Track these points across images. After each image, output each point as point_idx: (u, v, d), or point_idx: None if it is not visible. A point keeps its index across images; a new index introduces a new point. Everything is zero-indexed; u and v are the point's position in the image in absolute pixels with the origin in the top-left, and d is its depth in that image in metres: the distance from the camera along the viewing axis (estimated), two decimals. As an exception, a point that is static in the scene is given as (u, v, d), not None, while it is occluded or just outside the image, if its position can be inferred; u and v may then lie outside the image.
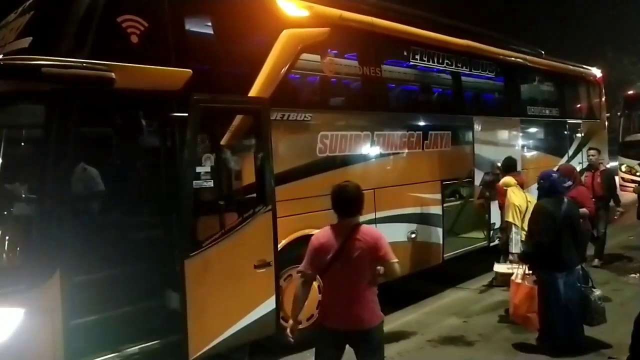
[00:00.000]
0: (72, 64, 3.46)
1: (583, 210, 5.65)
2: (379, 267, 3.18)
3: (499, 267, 5.81)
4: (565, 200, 4.77)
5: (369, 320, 3.13)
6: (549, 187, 4.79)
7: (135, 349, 3.79)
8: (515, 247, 5.70)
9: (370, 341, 3.17)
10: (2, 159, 3.78)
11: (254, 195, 4.51)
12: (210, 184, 4.13)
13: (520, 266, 5.01)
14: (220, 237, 4.14)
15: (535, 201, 5.26)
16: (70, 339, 3.40)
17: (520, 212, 5.77)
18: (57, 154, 3.49)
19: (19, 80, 3.40)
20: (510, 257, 5.75)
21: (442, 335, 5.28)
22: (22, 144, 3.82)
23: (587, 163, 8.33)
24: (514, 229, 5.80)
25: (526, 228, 5.21)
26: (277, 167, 4.73)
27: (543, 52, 9.85)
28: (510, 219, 5.82)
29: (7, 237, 3.47)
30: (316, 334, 3.30)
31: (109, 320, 3.71)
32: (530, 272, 4.85)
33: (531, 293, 4.77)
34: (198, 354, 3.97)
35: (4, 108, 3.54)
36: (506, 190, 5.99)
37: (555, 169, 6.68)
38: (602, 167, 7.75)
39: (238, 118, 4.53)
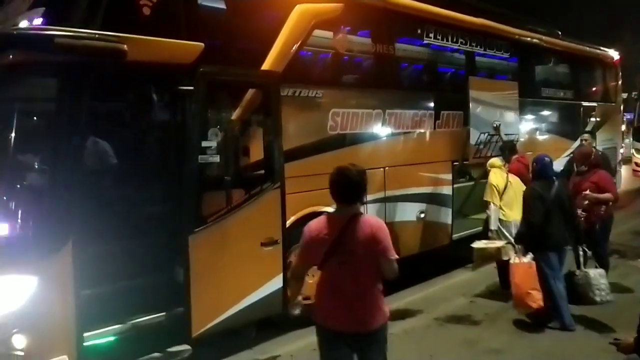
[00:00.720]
0: (85, 35, 3.44)
1: (606, 195, 5.54)
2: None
3: (477, 243, 5.78)
4: (556, 183, 4.98)
5: (376, 320, 2.80)
6: (539, 171, 5.05)
7: (141, 320, 3.83)
8: (493, 224, 5.78)
9: (376, 342, 2.86)
10: (15, 130, 3.81)
11: (262, 171, 4.51)
12: (217, 159, 4.11)
13: (501, 242, 5.46)
14: (225, 214, 4.13)
15: (515, 182, 5.79)
16: (81, 308, 3.46)
17: (498, 191, 5.82)
18: (68, 125, 3.50)
19: (32, 51, 3.38)
20: (489, 233, 5.82)
21: (449, 314, 5.31)
22: (35, 115, 3.82)
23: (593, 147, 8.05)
24: (492, 207, 5.80)
25: (504, 207, 5.71)
26: (288, 144, 4.74)
27: (560, 33, 9.66)
28: (487, 198, 5.83)
29: (21, 207, 3.50)
30: (318, 336, 2.94)
31: (118, 292, 3.75)
32: (524, 254, 4.96)
33: (530, 270, 4.86)
34: (203, 329, 4.02)
35: (17, 79, 3.53)
36: (490, 170, 6.04)
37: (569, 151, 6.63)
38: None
39: (247, 92, 4.51)
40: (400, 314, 5.33)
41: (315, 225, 2.85)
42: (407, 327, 5.02)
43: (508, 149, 6.47)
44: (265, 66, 4.61)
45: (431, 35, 6.47)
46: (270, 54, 4.66)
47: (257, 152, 4.54)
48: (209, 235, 4.03)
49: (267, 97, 4.54)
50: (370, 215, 2.88)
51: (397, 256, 2.80)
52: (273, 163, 4.52)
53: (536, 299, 4.82)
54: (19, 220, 3.44)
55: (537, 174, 5.08)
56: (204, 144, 4.06)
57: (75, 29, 3.48)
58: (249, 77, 4.54)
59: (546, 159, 5.13)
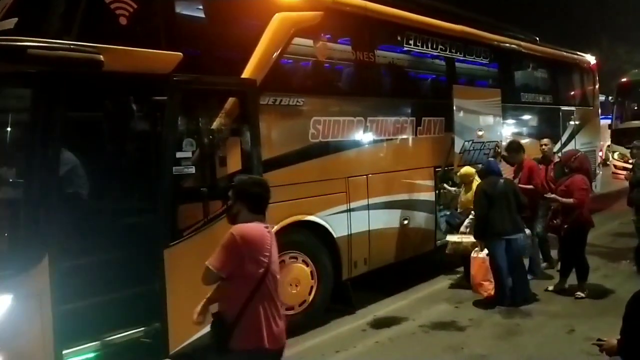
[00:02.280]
0: (59, 45, 3.38)
1: (567, 200, 5.66)
2: None
3: (451, 237, 6.27)
4: (502, 180, 5.77)
5: (285, 335, 2.83)
6: (485, 170, 5.94)
7: (119, 336, 3.75)
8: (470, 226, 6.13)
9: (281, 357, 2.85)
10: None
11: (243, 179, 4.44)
12: (192, 170, 4.03)
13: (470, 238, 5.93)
14: (202, 226, 4.04)
15: None
16: (59, 324, 3.37)
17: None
18: (43, 136, 3.42)
19: (5, 62, 3.31)
20: (462, 228, 6.22)
21: (433, 320, 5.30)
22: (9, 126, 3.74)
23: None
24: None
25: None
26: (269, 153, 4.70)
27: (537, 39, 9.81)
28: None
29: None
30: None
31: (95, 307, 3.66)
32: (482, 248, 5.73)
33: (483, 264, 5.73)
34: (182, 344, 3.93)
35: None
36: (472, 180, 6.28)
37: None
38: (556, 159, 7.01)
39: (224, 101, 4.45)
40: (386, 322, 5.32)
41: (256, 233, 2.70)
42: (392, 335, 5.00)
43: (514, 150, 6.66)
44: (245, 74, 4.58)
45: (411, 42, 6.50)
46: (250, 62, 4.63)
47: (234, 162, 4.46)
48: (186, 249, 3.93)
49: (245, 106, 4.49)
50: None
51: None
52: (252, 172, 4.45)
53: (487, 288, 5.75)
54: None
55: (484, 173, 5.92)
56: (179, 154, 3.98)
57: (50, 39, 3.42)
58: (226, 86, 4.49)
59: (491, 160, 6.25)
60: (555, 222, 5.91)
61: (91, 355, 3.60)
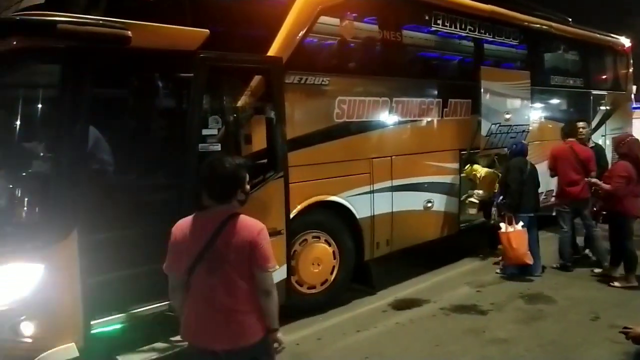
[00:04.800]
0: (88, 21, 3.40)
1: (606, 186, 5.66)
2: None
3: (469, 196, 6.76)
4: (529, 162, 6.25)
5: (251, 335, 2.42)
6: (520, 150, 6.30)
7: (145, 309, 3.82)
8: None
9: (258, 358, 2.49)
10: (20, 117, 3.79)
11: (265, 160, 4.45)
12: (217, 147, 4.03)
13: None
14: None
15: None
16: (88, 296, 3.46)
17: None
18: (71, 113, 3.47)
19: (35, 37, 3.35)
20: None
21: (455, 303, 5.29)
22: (38, 102, 3.79)
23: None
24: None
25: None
26: (293, 132, 4.69)
27: (570, 20, 9.50)
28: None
29: (26, 195, 3.50)
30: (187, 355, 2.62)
31: (122, 280, 3.73)
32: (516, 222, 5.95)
33: (524, 235, 5.93)
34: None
35: (20, 65, 3.52)
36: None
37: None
38: (591, 144, 6.89)
39: (249, 78, 4.44)
40: (407, 304, 5.33)
41: (181, 226, 2.47)
42: (413, 317, 5.00)
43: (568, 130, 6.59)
44: (271, 53, 4.56)
45: (439, 22, 6.36)
46: (276, 40, 4.60)
47: (259, 141, 4.47)
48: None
49: (271, 84, 4.47)
50: (248, 217, 2.48)
51: (275, 268, 2.46)
52: (276, 151, 4.46)
53: (530, 257, 5.97)
54: (25, 208, 3.44)
55: (517, 152, 6.24)
56: (205, 132, 4.00)
57: (79, 14, 3.44)
58: (252, 63, 4.47)
59: (523, 142, 6.58)
60: (594, 208, 5.98)
61: (118, 326, 3.68)
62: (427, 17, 6.24)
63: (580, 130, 6.66)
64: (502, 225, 6.01)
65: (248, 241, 2.37)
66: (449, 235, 6.63)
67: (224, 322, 2.38)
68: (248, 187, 2.59)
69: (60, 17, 3.34)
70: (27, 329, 3.26)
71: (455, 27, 6.60)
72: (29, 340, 3.26)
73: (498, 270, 6.24)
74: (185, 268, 2.41)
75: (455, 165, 6.61)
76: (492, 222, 6.50)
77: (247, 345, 2.40)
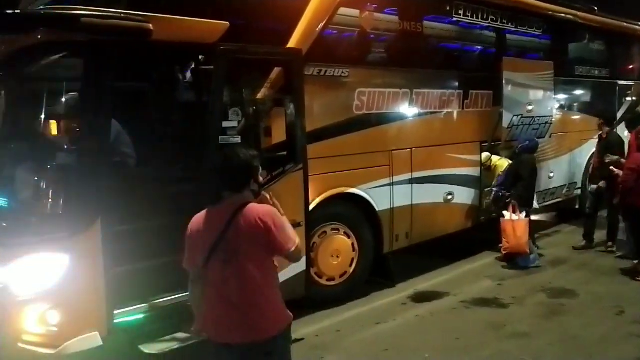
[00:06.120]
0: (110, 14, 3.43)
1: (618, 171, 5.94)
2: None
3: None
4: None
5: (269, 327, 2.39)
6: (534, 147, 6.47)
7: (166, 299, 3.86)
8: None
9: (272, 353, 2.42)
10: (44, 110, 3.86)
11: (285, 152, 4.45)
12: (238, 139, 4.04)
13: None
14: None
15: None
16: (111, 285, 3.52)
17: None
18: (94, 105, 3.52)
19: (59, 31, 3.40)
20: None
21: (475, 297, 5.24)
22: (62, 95, 3.85)
23: None
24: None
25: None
26: (313, 124, 4.68)
27: (595, 8, 9.26)
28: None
29: (51, 186, 3.56)
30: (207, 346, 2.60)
31: (144, 271, 3.78)
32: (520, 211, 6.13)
33: (527, 225, 6.12)
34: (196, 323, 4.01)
35: (44, 58, 3.57)
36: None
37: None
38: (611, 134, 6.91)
39: (269, 70, 4.44)
40: (427, 296, 5.31)
41: (196, 220, 2.48)
42: (433, 309, 4.98)
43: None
44: (290, 44, 4.55)
45: (460, 12, 6.27)
46: (296, 32, 4.58)
47: (279, 133, 4.48)
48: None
49: (291, 76, 4.47)
50: (260, 205, 2.46)
51: (295, 244, 2.41)
52: (296, 143, 4.46)
53: (528, 247, 6.14)
54: (50, 199, 3.51)
55: (531, 149, 6.40)
56: (225, 124, 4.02)
57: (101, 8, 3.47)
58: (272, 55, 4.47)
59: (536, 138, 6.70)
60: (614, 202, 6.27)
61: (140, 316, 3.74)
62: (448, 8, 6.15)
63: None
64: (506, 213, 6.14)
65: (260, 229, 2.34)
66: (470, 228, 6.58)
67: (237, 315, 2.36)
68: (261, 178, 2.60)
69: (83, 11, 3.38)
70: (53, 317, 3.33)
71: (477, 18, 6.50)
72: (55, 328, 3.33)
73: (504, 263, 6.26)
74: (201, 261, 2.40)
75: (476, 158, 6.54)
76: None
77: (261, 340, 2.36)
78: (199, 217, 2.50)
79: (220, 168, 2.53)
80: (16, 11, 3.59)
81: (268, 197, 2.58)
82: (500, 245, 6.29)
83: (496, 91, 6.51)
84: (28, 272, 3.32)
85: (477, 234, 6.73)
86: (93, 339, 3.38)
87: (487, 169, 6.67)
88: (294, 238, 2.44)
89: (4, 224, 3.52)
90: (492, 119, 6.59)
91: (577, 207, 8.20)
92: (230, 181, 2.46)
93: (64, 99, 3.85)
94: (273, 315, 2.42)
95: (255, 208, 2.40)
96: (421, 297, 5.29)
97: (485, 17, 6.59)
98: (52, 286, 3.33)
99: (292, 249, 2.42)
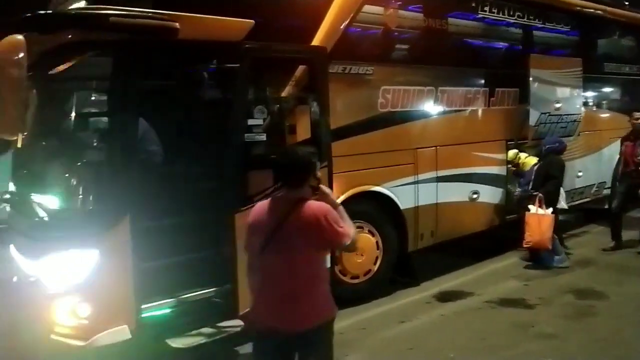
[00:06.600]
0: (138, 13, 3.48)
1: None
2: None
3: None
4: None
5: (317, 317, 2.49)
6: (562, 149, 6.37)
7: (192, 295, 3.91)
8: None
9: (314, 344, 2.50)
10: (74, 108, 3.94)
11: (309, 150, 4.45)
12: (263, 137, 4.07)
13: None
14: (272, 193, 4.10)
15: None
16: (138, 280, 3.58)
17: None
18: (123, 104, 3.57)
19: (88, 30, 3.46)
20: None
21: (501, 297, 5.17)
22: (91, 93, 3.93)
23: None
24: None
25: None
26: (337, 122, 4.67)
27: (627, 3, 9.02)
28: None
29: (82, 183, 3.63)
30: (253, 339, 2.72)
31: (171, 266, 3.83)
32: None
33: (553, 221, 5.96)
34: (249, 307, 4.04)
35: (74, 58, 3.63)
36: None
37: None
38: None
39: (293, 68, 4.44)
40: (451, 296, 5.26)
41: (257, 209, 2.63)
42: (457, 309, 4.93)
43: None
44: (315, 42, 4.55)
45: (486, 8, 6.19)
46: (320, 30, 4.58)
47: (304, 130, 4.48)
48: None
49: (315, 74, 4.47)
50: (316, 202, 2.54)
51: (350, 238, 2.50)
52: (320, 141, 4.45)
53: (551, 243, 6.00)
54: (80, 196, 3.58)
55: (560, 150, 6.31)
56: (250, 122, 4.05)
57: (129, 7, 3.52)
58: (297, 53, 4.48)
59: (563, 140, 6.48)
60: None
61: (167, 310, 3.80)
62: (474, 4, 6.07)
63: (635, 121, 6.66)
64: (532, 207, 5.98)
65: (315, 226, 2.43)
66: (495, 227, 6.49)
67: (286, 304, 2.46)
68: (319, 173, 2.69)
69: (112, 11, 3.43)
70: (83, 311, 3.40)
71: (503, 14, 6.41)
72: (85, 321, 3.40)
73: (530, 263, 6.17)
74: (257, 249, 2.52)
75: (502, 156, 6.45)
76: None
77: (305, 329, 2.46)
78: (260, 206, 2.63)
79: (281, 164, 2.67)
80: (48, 11, 3.67)
81: (328, 192, 2.67)
82: (524, 240, 6.13)
83: (523, 88, 6.41)
84: (59, 267, 3.40)
85: (502, 232, 6.63)
86: (122, 332, 3.44)
87: (514, 165, 6.57)
88: (349, 231, 2.52)
89: (36, 219, 3.60)
90: (519, 117, 6.49)
91: (606, 207, 8.01)
92: (290, 177, 2.57)
93: (93, 97, 3.92)
94: (319, 307, 2.52)
95: (311, 205, 2.50)
96: (446, 296, 5.24)
97: (511, 13, 6.49)
98: (83, 280, 3.40)
99: (348, 242, 2.51)
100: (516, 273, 5.89)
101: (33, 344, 3.53)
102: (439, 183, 5.66)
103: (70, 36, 3.50)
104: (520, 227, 6.12)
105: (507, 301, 5.07)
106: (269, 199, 2.64)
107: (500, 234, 6.64)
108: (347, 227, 2.54)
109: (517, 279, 5.69)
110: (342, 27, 4.73)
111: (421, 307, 5.02)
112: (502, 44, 6.80)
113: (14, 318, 3.67)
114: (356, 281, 5.06)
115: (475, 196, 6.10)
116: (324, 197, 2.61)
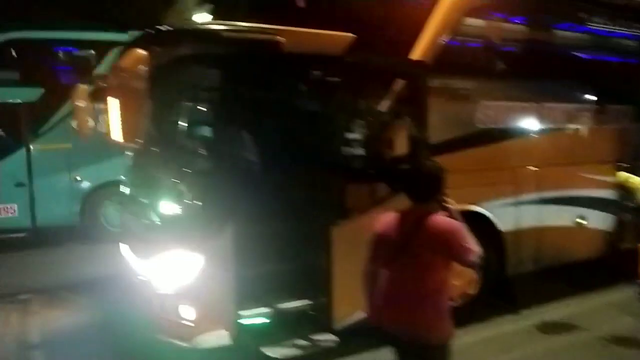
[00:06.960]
0: (247, 28, 3.61)
1: None
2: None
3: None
4: None
5: (432, 334, 2.51)
6: None
7: (288, 306, 3.91)
8: None
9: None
10: (182, 117, 4.12)
11: (407, 166, 4.35)
12: (362, 151, 4.04)
13: None
14: (370, 208, 4.00)
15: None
16: (238, 287, 3.63)
17: None
18: (229, 114, 3.70)
19: (202, 44, 3.63)
20: None
21: (614, 334, 4.67)
22: (199, 104, 4.09)
23: None
24: None
25: None
26: (436, 137, 4.53)
27: None
28: None
29: (190, 190, 3.76)
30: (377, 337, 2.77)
31: (268, 275, 3.88)
32: None
33: None
34: (344, 321, 3.95)
35: (187, 70, 3.83)
36: None
37: None
38: None
39: (393, 82, 4.38)
40: (556, 328, 4.86)
41: (384, 221, 2.67)
42: (564, 343, 4.54)
43: None
44: (413, 56, 4.48)
45: (596, 19, 5.81)
46: (420, 43, 4.51)
47: (402, 145, 4.38)
48: (353, 229, 3.91)
49: (415, 88, 4.39)
50: (443, 217, 2.56)
51: (477, 255, 2.50)
52: (418, 157, 4.35)
53: None
54: (188, 202, 3.71)
55: None
56: (349, 135, 4.03)
57: (238, 22, 3.66)
58: (397, 67, 4.43)
59: None
60: None
61: (263, 320, 3.82)
62: (582, 14, 5.72)
63: None
64: None
65: (442, 243, 2.45)
66: (603, 256, 5.94)
67: (406, 315, 2.50)
68: (447, 189, 2.68)
69: (224, 26, 3.59)
70: (188, 312, 3.50)
71: (615, 25, 5.98)
72: (190, 323, 3.49)
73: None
74: (383, 259, 2.59)
75: (612, 179, 5.93)
76: None
77: (419, 343, 2.47)
78: (386, 218, 2.68)
79: (412, 178, 2.71)
80: (167, 27, 3.92)
81: (455, 208, 2.66)
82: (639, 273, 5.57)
83: (638, 105, 5.89)
84: (167, 269, 3.53)
85: (616, 262, 6.05)
86: (223, 337, 3.50)
87: (625, 190, 6.02)
88: (475, 249, 2.51)
89: (147, 222, 3.78)
90: (632, 137, 5.97)
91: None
92: (421, 191, 2.61)
93: (202, 107, 4.08)
94: (435, 324, 2.52)
95: (439, 220, 2.53)
96: (550, 328, 4.84)
97: (624, 24, 6.04)
98: (189, 284, 3.50)
99: (474, 259, 2.51)
100: (631, 309, 5.31)
101: (136, 341, 3.66)
102: (542, 205, 5.31)
103: (184, 49, 3.69)
104: (636, 259, 5.55)
105: (621, 339, 4.59)
106: (396, 212, 2.65)
107: (614, 264, 6.06)
108: (473, 244, 2.50)
109: (632, 316, 5.13)
110: (441, 40, 4.63)
111: (523, 337, 4.66)
112: (613, 57, 6.33)
113: (119, 314, 3.84)
114: (451, 303, 4.81)
115: (581, 221, 5.65)
116: (451, 213, 2.59)
